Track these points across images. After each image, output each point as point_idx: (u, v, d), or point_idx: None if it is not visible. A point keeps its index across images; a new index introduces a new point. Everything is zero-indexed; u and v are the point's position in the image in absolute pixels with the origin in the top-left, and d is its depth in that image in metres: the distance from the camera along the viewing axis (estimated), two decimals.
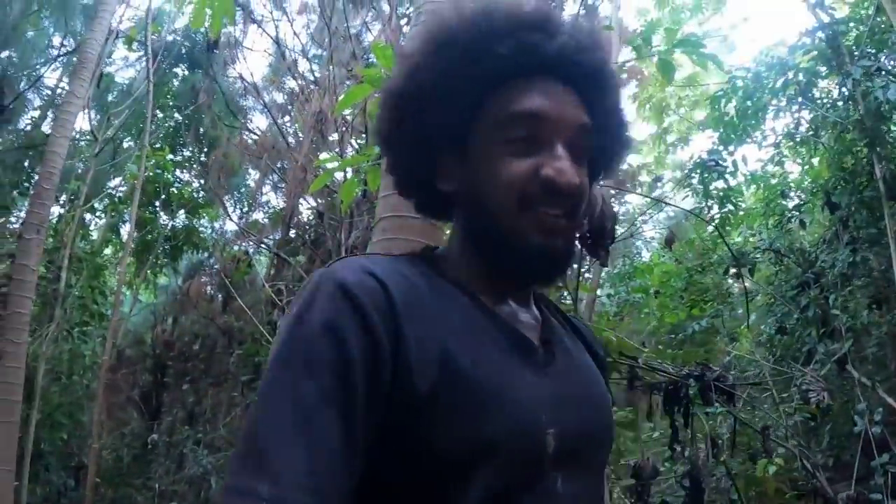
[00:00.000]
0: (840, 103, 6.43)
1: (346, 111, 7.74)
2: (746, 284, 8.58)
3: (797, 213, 6.98)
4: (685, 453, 4.19)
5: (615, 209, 3.73)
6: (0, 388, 3.72)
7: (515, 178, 1.00)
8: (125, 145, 10.53)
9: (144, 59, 9.63)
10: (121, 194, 10.78)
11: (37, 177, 8.43)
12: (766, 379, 4.69)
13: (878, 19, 6.46)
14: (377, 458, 0.87)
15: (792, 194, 7.56)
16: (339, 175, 6.26)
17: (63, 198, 8.60)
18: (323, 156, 9.54)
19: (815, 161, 7.53)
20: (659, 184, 13.11)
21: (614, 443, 1.25)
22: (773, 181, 8.12)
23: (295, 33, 10.64)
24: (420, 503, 0.90)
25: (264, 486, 0.77)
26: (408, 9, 9.68)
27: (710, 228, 8.04)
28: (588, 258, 3.94)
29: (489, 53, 1.03)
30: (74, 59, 8.17)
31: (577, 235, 1.12)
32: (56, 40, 8.43)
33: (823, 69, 6.76)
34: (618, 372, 4.28)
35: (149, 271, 11.91)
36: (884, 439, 4.92)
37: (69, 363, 8.44)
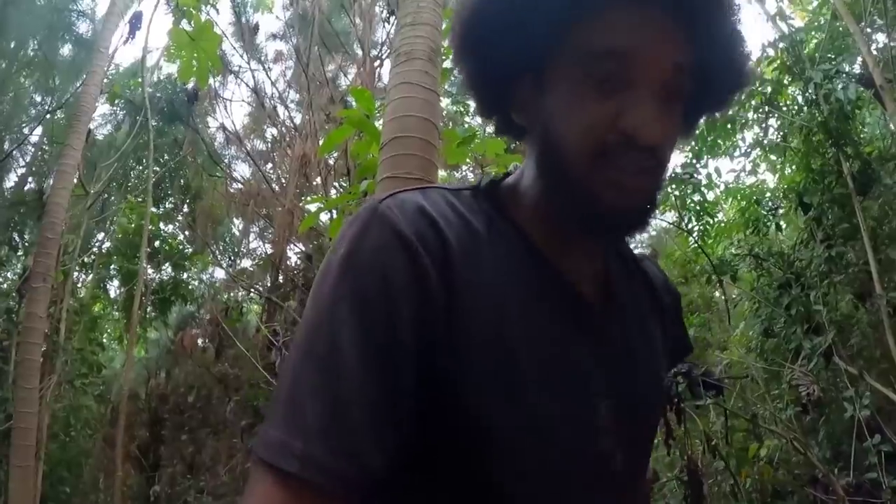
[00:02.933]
0: (804, 108, 6.66)
1: (329, 154, 7.87)
2: (732, 291, 8.75)
3: (772, 218, 7.16)
4: (684, 450, 4.30)
5: None
6: (15, 433, 3.79)
7: (591, 123, 0.87)
8: (112, 199, 10.62)
9: (126, 113, 9.85)
10: (106, 248, 10.85)
11: (28, 234, 8.58)
12: (751, 372, 4.79)
13: (836, 24, 6.74)
14: (423, 422, 0.82)
15: (767, 201, 7.76)
16: (325, 217, 6.39)
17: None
18: (308, 199, 9.72)
19: (787, 167, 7.75)
20: None
21: None
22: (749, 191, 8.34)
23: (272, 82, 10.86)
24: (468, 479, 0.84)
25: (298, 441, 0.74)
26: (380, 51, 9.93)
27: (692, 240, 8.22)
28: None
29: None
30: (58, 115, 8.33)
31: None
32: (37, 98, 8.53)
33: (787, 78, 7.01)
34: None
35: (139, 326, 11.90)
36: (876, 424, 5.03)
37: (67, 417, 8.43)
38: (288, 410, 0.77)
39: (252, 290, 11.13)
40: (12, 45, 7.67)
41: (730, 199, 8.75)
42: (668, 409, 4.05)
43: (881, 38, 6.64)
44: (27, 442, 3.78)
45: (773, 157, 8.05)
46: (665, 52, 0.87)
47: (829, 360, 5.53)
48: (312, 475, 0.74)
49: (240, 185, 11.52)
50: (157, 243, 11.43)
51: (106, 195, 9.55)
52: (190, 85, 9.13)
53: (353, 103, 3.66)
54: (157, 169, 11.91)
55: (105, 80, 8.76)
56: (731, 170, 8.28)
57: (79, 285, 11.10)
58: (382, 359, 0.79)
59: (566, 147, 0.89)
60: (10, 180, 8.48)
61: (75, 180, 6.66)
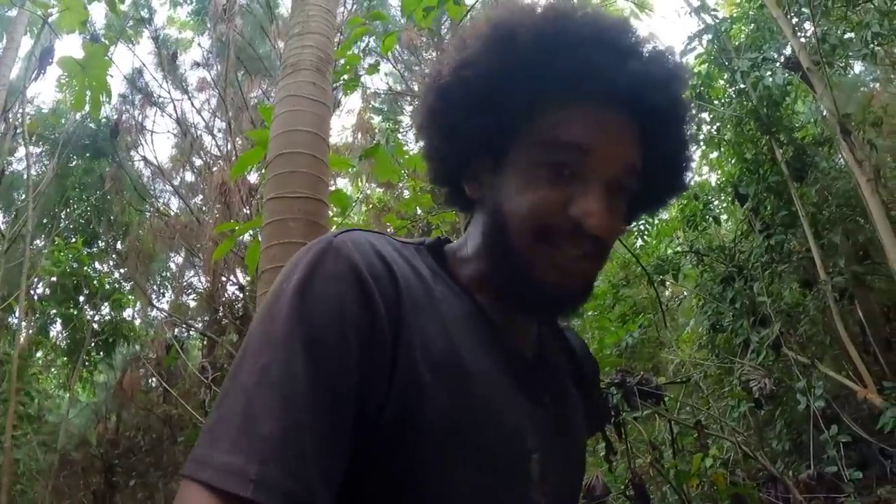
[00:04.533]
0: (734, 98, 6.60)
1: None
2: (677, 289, 8.68)
3: (709, 212, 7.09)
4: (630, 464, 4.12)
5: None
6: None
7: (542, 206, 0.92)
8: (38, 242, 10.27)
9: (43, 152, 9.51)
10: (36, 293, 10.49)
11: None
12: (692, 376, 4.64)
13: (763, 12, 6.69)
14: (367, 449, 0.82)
15: (704, 195, 7.69)
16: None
17: None
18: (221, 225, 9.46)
19: (723, 160, 7.70)
20: None
21: None
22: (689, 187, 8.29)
23: (197, 110, 10.60)
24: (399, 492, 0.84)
25: (252, 465, 0.72)
26: None
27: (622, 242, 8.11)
28: None
29: (551, 66, 0.92)
30: None
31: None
32: None
33: (715, 69, 6.96)
34: None
35: (83, 370, 11.53)
36: (834, 414, 4.94)
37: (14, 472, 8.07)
38: (241, 432, 0.74)
39: (189, 326, 10.83)
40: None
41: None
42: (608, 422, 3.85)
43: (808, 26, 6.62)
44: None
45: (710, 154, 7.99)
46: (619, 151, 0.93)
47: (779, 350, 5.44)
48: (266, 498, 0.71)
49: (167, 218, 11.20)
50: (94, 283, 11.04)
51: (32, 238, 9.16)
52: (104, 119, 8.90)
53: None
54: (87, 207, 11.60)
55: (20, 119, 8.46)
56: None
57: (21, 332, 10.76)
58: (333, 390, 0.78)
59: (514, 225, 0.93)
60: None
61: None
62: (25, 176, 8.69)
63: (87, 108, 4.51)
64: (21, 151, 9.29)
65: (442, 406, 0.84)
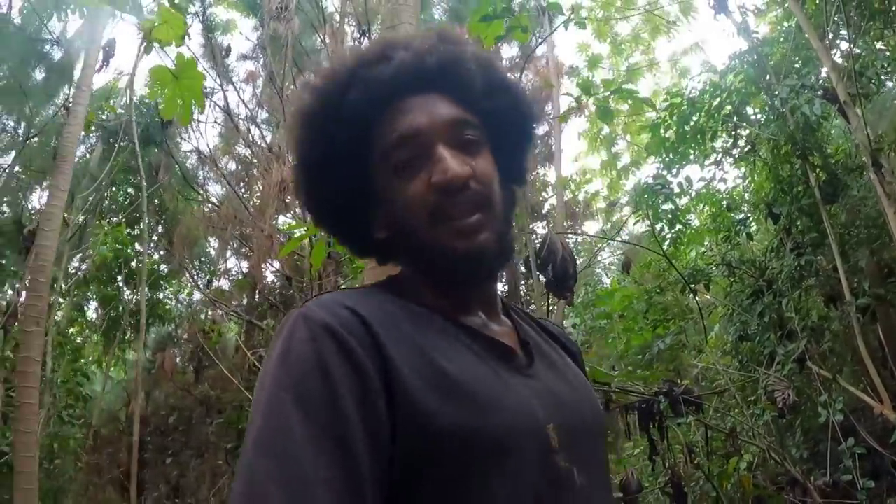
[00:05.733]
0: (771, 119, 6.83)
1: None
2: (705, 298, 8.93)
3: (742, 228, 7.35)
4: (666, 464, 4.45)
5: (572, 250, 4.05)
6: (17, 478, 3.82)
7: (415, 197, 1.04)
8: (88, 227, 10.59)
9: (98, 137, 9.84)
10: (82, 274, 10.81)
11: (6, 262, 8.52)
12: (729, 387, 4.95)
13: (801, 35, 6.92)
14: (394, 479, 0.86)
15: (738, 208, 7.95)
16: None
17: None
18: (282, 219, 9.79)
19: (756, 176, 7.94)
20: (615, 208, 13.55)
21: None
22: (719, 196, 8.52)
23: (244, 102, 10.90)
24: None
25: None
26: None
27: (662, 251, 8.37)
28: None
29: (348, 107, 1.07)
30: (34, 142, 8.29)
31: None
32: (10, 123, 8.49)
33: (753, 89, 7.21)
34: None
35: (117, 348, 11.87)
36: (851, 426, 5.20)
37: (51, 445, 8.41)
38: (255, 501, 0.78)
39: (231, 310, 11.12)
40: None
41: (700, 205, 8.94)
42: (652, 425, 4.19)
43: (845, 46, 6.82)
44: (30, 486, 3.84)
45: (742, 168, 8.24)
46: (442, 114, 1.07)
47: (803, 364, 5.70)
48: None
49: (215, 206, 11.49)
50: (133, 264, 11.38)
51: (83, 222, 9.51)
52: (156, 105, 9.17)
53: None
54: (131, 192, 11.94)
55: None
56: (702, 178, 8.36)
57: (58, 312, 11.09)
58: (333, 440, 0.82)
59: (412, 227, 1.05)
60: None
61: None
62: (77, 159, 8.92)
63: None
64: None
65: (449, 418, 0.89)
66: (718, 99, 7.28)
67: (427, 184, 1.03)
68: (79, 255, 10.64)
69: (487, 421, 0.91)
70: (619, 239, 11.48)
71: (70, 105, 5.81)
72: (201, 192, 11.64)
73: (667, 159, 7.83)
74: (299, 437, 0.81)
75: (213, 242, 13.04)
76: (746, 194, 8.51)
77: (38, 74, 7.77)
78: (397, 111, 1.07)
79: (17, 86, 7.69)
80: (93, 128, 9.82)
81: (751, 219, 7.75)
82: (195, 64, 4.54)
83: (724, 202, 8.04)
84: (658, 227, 8.03)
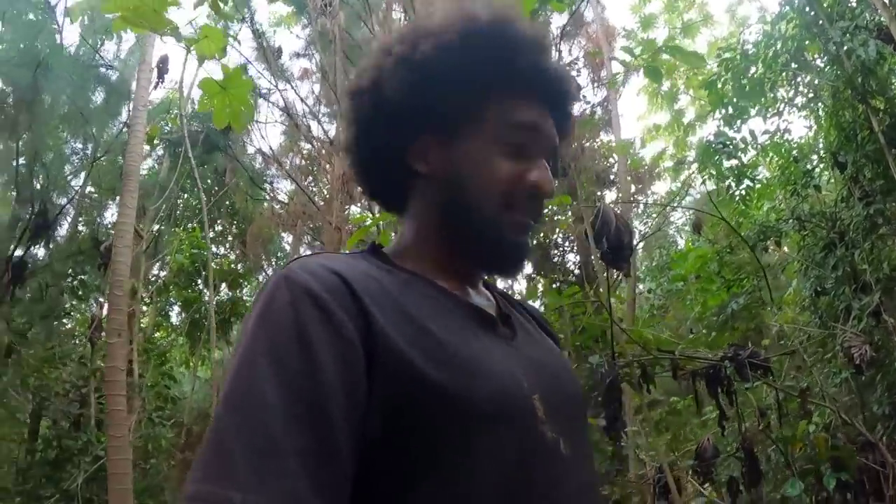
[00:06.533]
0: (829, 65, 6.61)
1: None
2: (783, 252, 8.71)
3: (810, 179, 7.13)
4: (740, 429, 4.40)
5: (628, 220, 4.02)
6: (111, 479, 4.08)
7: (505, 176, 1.08)
8: (164, 235, 10.96)
9: (164, 149, 10.16)
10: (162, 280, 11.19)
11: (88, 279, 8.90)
12: (798, 348, 4.82)
13: None
14: (375, 450, 0.85)
15: (806, 159, 7.71)
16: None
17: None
18: (354, 209, 9.94)
19: (822, 124, 7.68)
20: (682, 167, 13.25)
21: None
22: (788, 146, 8.26)
23: (302, 99, 11.05)
24: (430, 478, 0.87)
25: (235, 493, 0.74)
26: None
27: (728, 211, 8.20)
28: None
29: (513, 62, 1.10)
30: (102, 161, 8.62)
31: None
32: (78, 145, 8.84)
33: (807, 35, 6.96)
34: (661, 366, 4.55)
35: (203, 348, 12.27)
36: None
37: (145, 446, 8.80)
38: (221, 465, 0.77)
39: None
40: (48, 103, 7.97)
41: (769, 157, 8.69)
42: (720, 391, 4.14)
43: None
44: (124, 486, 4.08)
45: (807, 118, 7.98)
46: (552, 134, 1.15)
47: (879, 318, 5.54)
48: None
49: (283, 203, 11.75)
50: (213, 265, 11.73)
51: (158, 230, 9.86)
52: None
53: None
54: (204, 197, 12.27)
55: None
56: (766, 131, 8.11)
57: (142, 318, 11.52)
58: (307, 405, 0.80)
59: (480, 193, 1.08)
60: (63, 229, 8.83)
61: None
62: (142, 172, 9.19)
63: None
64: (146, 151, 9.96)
65: (436, 382, 0.88)
66: (773, 49, 7.06)
67: (521, 176, 1.09)
68: (157, 264, 11.02)
69: (476, 385, 0.91)
70: (676, 204, 11.26)
71: (130, 124, 6.02)
72: (269, 190, 11.88)
73: (727, 115, 7.63)
74: (272, 403, 0.79)
75: (288, 238, 13.33)
76: (814, 142, 8.24)
77: (98, 96, 8.06)
78: (531, 102, 1.13)
79: (79, 111, 7.95)
80: (156, 141, 10.15)
81: (818, 170, 7.50)
82: (241, 73, 4.62)
83: (794, 153, 7.80)
84: (725, 184, 7.87)
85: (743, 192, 8.05)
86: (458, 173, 1.09)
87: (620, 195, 10.48)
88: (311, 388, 0.82)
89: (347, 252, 1.20)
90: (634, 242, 3.83)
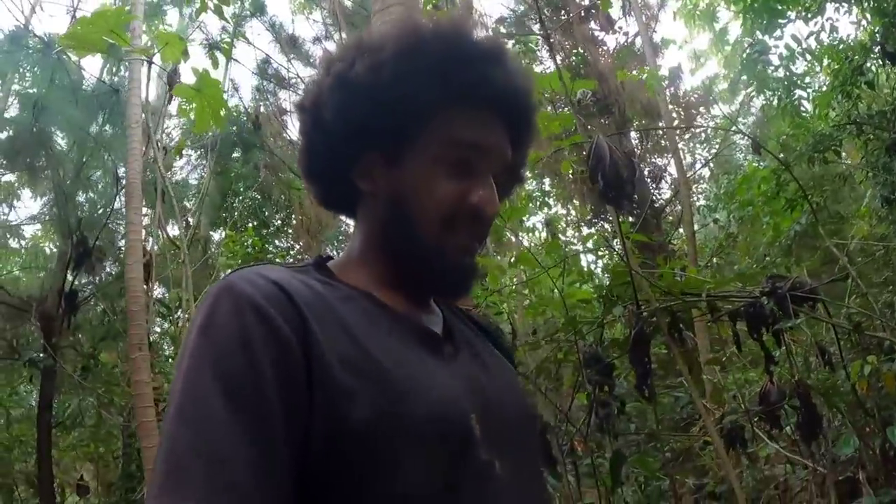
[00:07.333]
0: None
1: None
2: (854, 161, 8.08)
3: (860, 77, 6.49)
4: (792, 373, 3.97)
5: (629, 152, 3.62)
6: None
7: (446, 198, 1.05)
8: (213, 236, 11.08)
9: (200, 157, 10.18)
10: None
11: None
12: (851, 271, 4.29)
13: None
14: (309, 459, 0.85)
15: (859, 57, 7.03)
16: None
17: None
18: None
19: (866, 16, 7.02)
20: (738, 86, 12.60)
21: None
22: (843, 45, 7.60)
23: None
24: (359, 496, 0.86)
25: (189, 502, 0.75)
26: None
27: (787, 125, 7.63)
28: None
29: (456, 76, 1.06)
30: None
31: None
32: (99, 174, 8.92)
33: None
34: (698, 309, 4.14)
35: None
36: None
37: None
38: (172, 479, 0.77)
39: None
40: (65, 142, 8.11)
41: (827, 64, 8.02)
42: (765, 331, 3.71)
43: None
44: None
45: (846, 13, 7.29)
46: (502, 150, 1.11)
47: None
48: None
49: None
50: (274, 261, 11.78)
51: (204, 240, 9.90)
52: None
53: None
54: (256, 196, 12.34)
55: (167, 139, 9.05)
56: (811, 32, 7.48)
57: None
58: (251, 416, 0.81)
59: (420, 214, 1.05)
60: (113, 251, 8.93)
61: (163, 239, 6.96)
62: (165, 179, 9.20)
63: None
64: (180, 161, 10.08)
65: (369, 401, 0.87)
66: None
67: (462, 196, 1.06)
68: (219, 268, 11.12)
69: (407, 407, 0.90)
70: (713, 126, 10.66)
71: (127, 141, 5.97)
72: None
73: (760, 24, 7.03)
74: (218, 415, 0.80)
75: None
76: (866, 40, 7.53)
77: (106, 122, 8.06)
78: (479, 116, 1.09)
79: (92, 139, 8.02)
80: (194, 150, 10.21)
81: (868, 65, 6.83)
82: (209, 74, 4.51)
83: (849, 54, 7.13)
84: (773, 97, 7.33)
85: (796, 104, 7.48)
86: (400, 193, 1.08)
87: (663, 123, 9.91)
88: (255, 399, 0.82)
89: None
90: (637, 175, 3.40)
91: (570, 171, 9.23)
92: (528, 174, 1.35)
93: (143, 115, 5.53)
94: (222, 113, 4.59)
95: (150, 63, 4.50)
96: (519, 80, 1.13)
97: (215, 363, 0.84)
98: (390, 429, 0.87)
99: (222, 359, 0.84)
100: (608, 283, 4.42)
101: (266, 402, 0.83)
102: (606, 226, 10.75)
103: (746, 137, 12.41)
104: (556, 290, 4.19)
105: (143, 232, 5.49)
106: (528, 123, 1.18)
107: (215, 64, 6.68)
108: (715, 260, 9.85)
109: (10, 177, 9.53)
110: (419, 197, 1.05)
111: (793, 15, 7.27)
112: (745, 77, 7.75)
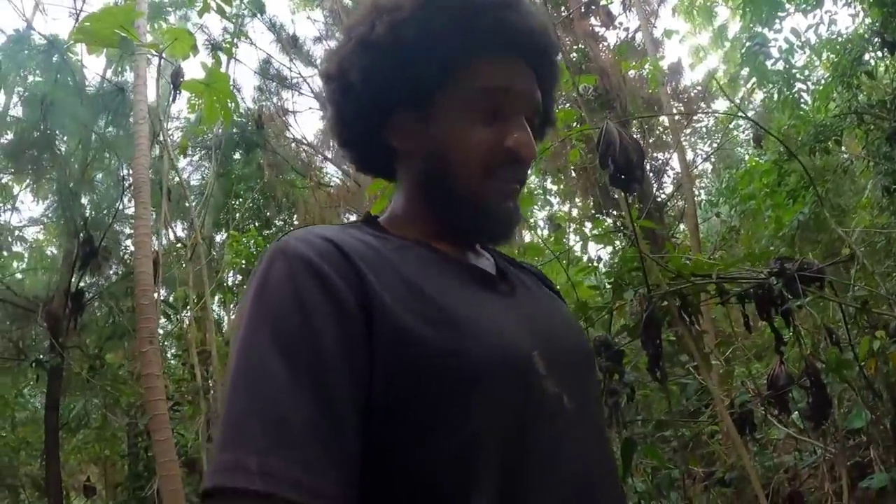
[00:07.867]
0: None
1: None
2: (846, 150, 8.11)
3: (859, 66, 6.54)
4: (801, 353, 4.00)
5: (636, 138, 3.64)
6: (162, 481, 4.09)
7: (482, 145, 1.06)
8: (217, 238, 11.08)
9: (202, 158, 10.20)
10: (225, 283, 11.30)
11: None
12: (857, 252, 4.32)
13: None
14: (375, 412, 0.85)
15: (856, 48, 7.07)
16: None
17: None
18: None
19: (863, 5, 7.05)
20: (738, 81, 12.64)
21: None
22: (842, 38, 7.64)
23: None
24: (430, 439, 0.86)
25: (252, 458, 0.75)
26: None
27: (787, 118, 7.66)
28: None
29: (474, 25, 1.06)
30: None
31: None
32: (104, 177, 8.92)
33: None
34: (706, 292, 4.17)
35: None
36: None
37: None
38: (237, 436, 0.78)
39: None
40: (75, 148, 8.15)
41: (826, 57, 8.08)
42: (774, 312, 3.75)
43: None
44: (174, 487, 4.07)
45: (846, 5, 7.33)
46: (531, 91, 1.12)
47: None
48: (273, 487, 0.74)
49: (329, 188, 11.74)
50: None
51: (209, 240, 9.91)
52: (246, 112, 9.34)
53: None
54: (259, 197, 12.36)
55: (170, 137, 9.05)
56: (809, 25, 7.52)
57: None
58: (311, 375, 0.81)
59: (459, 165, 1.06)
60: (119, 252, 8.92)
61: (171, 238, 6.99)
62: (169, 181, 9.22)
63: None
64: (182, 163, 10.05)
65: (432, 342, 0.87)
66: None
67: (497, 141, 1.06)
68: (224, 267, 11.13)
69: (472, 345, 0.90)
70: (709, 111, 10.68)
71: (134, 138, 5.97)
72: (314, 176, 11.89)
73: (758, 15, 7.07)
74: (277, 375, 0.80)
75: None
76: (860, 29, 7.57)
77: (111, 122, 8.05)
78: (503, 62, 1.10)
79: (100, 140, 8.03)
80: (196, 151, 10.21)
81: (869, 56, 6.88)
82: (219, 68, 4.56)
83: (847, 46, 7.17)
84: (772, 90, 7.36)
85: (796, 97, 7.51)
86: (436, 148, 1.08)
87: (664, 117, 9.95)
88: (314, 358, 0.82)
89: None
90: (645, 161, 3.43)
91: (573, 166, 9.26)
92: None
93: (148, 115, 5.57)
94: (231, 106, 4.64)
95: (161, 58, 4.51)
96: (537, 21, 1.13)
97: (271, 326, 0.84)
98: (457, 368, 0.87)
99: (279, 320, 0.85)
100: (616, 270, 4.47)
101: (326, 362, 0.83)
102: (610, 221, 10.77)
103: (748, 130, 12.51)
104: (566, 276, 4.22)
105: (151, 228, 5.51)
106: (552, 62, 1.19)
107: (218, 64, 6.74)
108: (718, 254, 9.87)
109: (10, 179, 9.55)
110: (455, 148, 1.07)
111: (791, 8, 7.32)
112: (745, 71, 7.76)
